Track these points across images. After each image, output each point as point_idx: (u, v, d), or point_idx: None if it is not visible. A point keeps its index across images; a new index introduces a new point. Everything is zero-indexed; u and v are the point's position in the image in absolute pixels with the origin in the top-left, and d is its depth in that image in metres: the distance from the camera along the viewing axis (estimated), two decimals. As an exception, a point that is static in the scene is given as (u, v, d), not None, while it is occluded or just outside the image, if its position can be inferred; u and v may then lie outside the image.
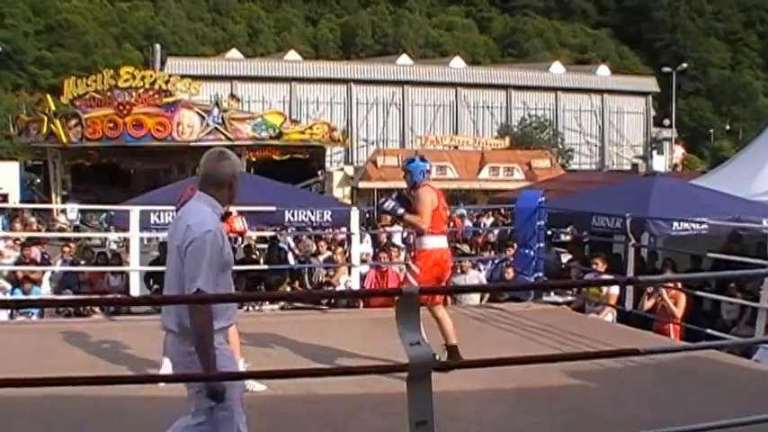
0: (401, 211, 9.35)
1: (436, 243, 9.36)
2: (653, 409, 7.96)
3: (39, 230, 27.80)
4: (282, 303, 14.64)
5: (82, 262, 17.85)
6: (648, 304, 13.18)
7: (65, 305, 14.21)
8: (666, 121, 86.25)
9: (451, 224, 29.34)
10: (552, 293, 14.51)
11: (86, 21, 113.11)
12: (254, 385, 8.22)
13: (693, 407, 8.02)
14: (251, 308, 13.89)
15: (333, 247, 18.99)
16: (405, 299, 4.87)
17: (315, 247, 19.17)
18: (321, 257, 18.29)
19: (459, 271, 15.66)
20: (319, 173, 52.56)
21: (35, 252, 18.31)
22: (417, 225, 9.27)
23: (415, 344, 4.69)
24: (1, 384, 4.46)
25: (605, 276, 13.22)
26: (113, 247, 23.73)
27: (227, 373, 5.35)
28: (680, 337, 12.53)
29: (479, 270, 17.17)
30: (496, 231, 24.95)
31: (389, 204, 9.40)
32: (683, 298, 12.84)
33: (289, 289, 16.37)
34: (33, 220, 30.90)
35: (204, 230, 5.11)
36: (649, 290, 13.18)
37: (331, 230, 19.33)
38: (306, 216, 15.10)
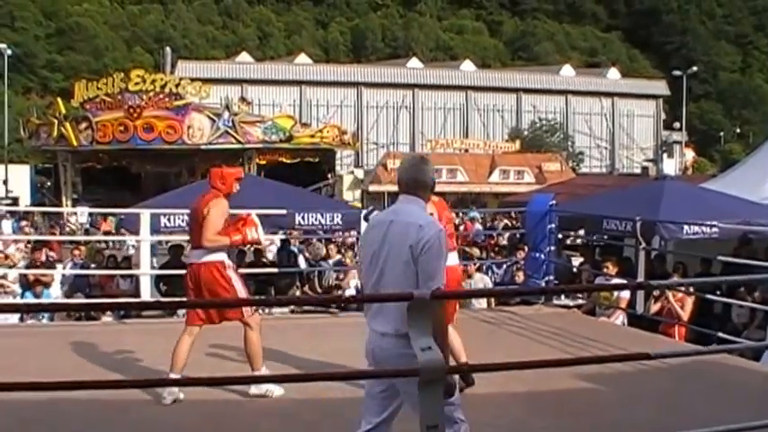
0: None
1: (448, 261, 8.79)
2: (663, 413, 7.96)
3: (52, 233, 27.86)
4: (293, 306, 14.67)
5: (92, 265, 17.88)
6: (655, 308, 13.18)
7: (87, 309, 14.27)
8: (677, 125, 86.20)
9: (462, 227, 29.37)
10: (563, 297, 14.52)
11: (97, 24, 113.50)
12: (274, 390, 8.26)
13: (703, 410, 8.01)
14: (261, 311, 13.90)
15: (343, 251, 19.01)
16: (415, 304, 4.86)
17: (325, 251, 19.18)
18: (331, 261, 18.31)
19: (473, 274, 15.71)
20: (329, 176, 52.53)
21: (43, 255, 18.37)
22: None
23: (426, 349, 4.69)
24: (8, 389, 4.46)
25: (616, 280, 13.21)
26: (132, 251, 23.74)
27: (236, 377, 5.36)
28: (685, 340, 12.54)
29: (493, 272, 17.18)
30: (507, 235, 24.95)
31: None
32: (689, 301, 12.84)
33: (299, 292, 16.38)
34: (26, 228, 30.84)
35: (438, 229, 5.24)
36: (656, 293, 13.18)
37: (341, 234, 19.33)
38: (316, 219, 15.09)
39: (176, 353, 8.29)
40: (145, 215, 13.33)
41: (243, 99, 55.82)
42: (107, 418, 7.47)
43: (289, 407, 7.91)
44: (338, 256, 18.50)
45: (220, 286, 8.32)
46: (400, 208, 5.45)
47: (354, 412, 7.63)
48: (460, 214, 33.57)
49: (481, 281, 15.90)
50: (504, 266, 17.70)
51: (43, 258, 18.13)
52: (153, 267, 15.01)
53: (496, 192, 58.62)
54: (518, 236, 19.34)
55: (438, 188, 9.04)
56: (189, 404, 7.94)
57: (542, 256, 14.28)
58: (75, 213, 36.11)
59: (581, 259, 18.22)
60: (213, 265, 8.38)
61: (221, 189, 8.58)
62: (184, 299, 9.37)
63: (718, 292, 13.69)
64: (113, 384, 6.28)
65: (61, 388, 4.74)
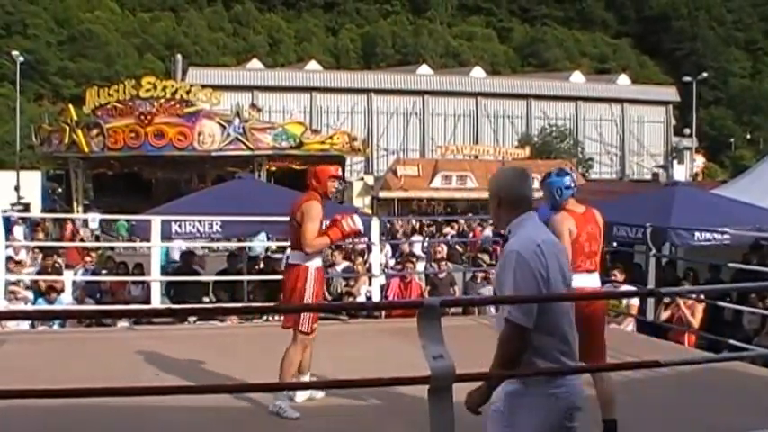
0: None
1: (584, 282, 7.63)
2: (674, 421, 7.94)
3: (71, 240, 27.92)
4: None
5: (103, 271, 17.89)
6: (665, 315, 13.15)
7: (100, 316, 14.30)
8: (687, 131, 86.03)
9: (471, 234, 29.41)
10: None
11: (108, 31, 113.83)
12: (286, 410, 7.92)
13: (713, 418, 8.00)
14: (271, 318, 13.90)
15: (353, 257, 18.99)
16: (426, 311, 4.87)
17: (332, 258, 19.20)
18: (339, 267, 18.28)
19: (482, 281, 15.70)
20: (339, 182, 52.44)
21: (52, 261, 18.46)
22: None
23: (438, 357, 4.69)
24: (20, 395, 4.48)
25: (626, 287, 13.18)
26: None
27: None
28: (695, 347, 12.51)
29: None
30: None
31: None
32: (699, 308, 12.81)
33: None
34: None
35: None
36: (666, 300, 13.15)
37: (351, 240, 19.35)
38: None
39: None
40: (156, 222, 13.36)
41: (253, 106, 55.78)
42: (119, 423, 7.48)
43: (299, 414, 7.88)
44: (348, 263, 18.46)
45: (298, 291, 8.13)
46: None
47: (363, 420, 7.65)
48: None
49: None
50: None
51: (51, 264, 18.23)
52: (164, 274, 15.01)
53: (506, 198, 58.66)
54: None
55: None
56: (205, 410, 7.93)
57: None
58: (87, 220, 36.14)
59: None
60: (300, 269, 8.18)
61: (316, 188, 8.40)
62: (195, 306, 9.34)
63: (728, 299, 13.67)
64: (126, 391, 6.29)
65: (73, 395, 4.76)
